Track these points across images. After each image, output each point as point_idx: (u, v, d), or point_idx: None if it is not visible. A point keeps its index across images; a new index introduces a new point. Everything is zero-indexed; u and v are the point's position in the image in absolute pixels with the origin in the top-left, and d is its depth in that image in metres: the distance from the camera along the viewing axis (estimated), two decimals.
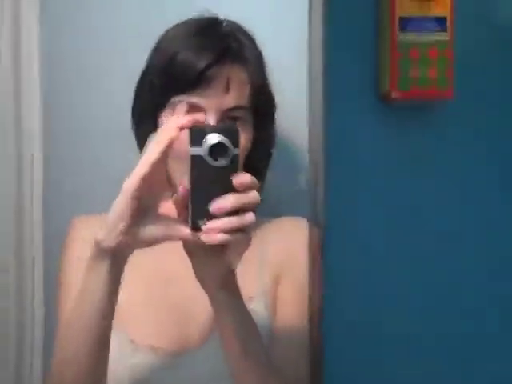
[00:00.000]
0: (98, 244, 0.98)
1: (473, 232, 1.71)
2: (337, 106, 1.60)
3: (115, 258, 0.99)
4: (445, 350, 1.69)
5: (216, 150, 0.91)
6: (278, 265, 1.29)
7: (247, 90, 1.14)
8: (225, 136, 0.92)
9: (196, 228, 0.93)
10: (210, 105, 1.08)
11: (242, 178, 0.93)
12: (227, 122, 1.09)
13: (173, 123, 0.94)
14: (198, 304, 1.17)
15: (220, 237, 0.91)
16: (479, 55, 1.70)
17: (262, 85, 1.18)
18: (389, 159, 1.69)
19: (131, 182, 0.94)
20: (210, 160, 0.91)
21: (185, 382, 1.17)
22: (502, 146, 1.72)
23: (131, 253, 1.01)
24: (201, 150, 0.92)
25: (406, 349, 1.69)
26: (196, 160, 0.92)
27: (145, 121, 1.23)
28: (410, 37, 1.66)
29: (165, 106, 1.15)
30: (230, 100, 1.11)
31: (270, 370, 1.12)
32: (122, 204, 0.95)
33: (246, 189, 0.93)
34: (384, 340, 1.68)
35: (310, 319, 1.46)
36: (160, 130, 0.96)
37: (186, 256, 1.03)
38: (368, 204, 1.67)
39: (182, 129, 0.94)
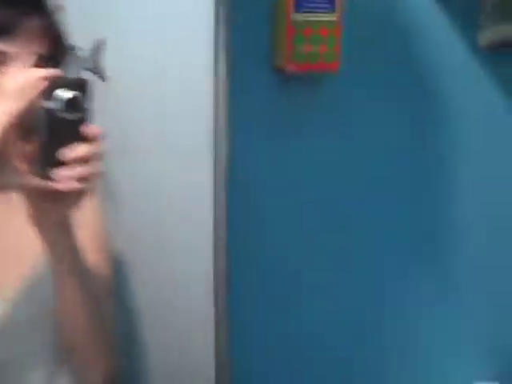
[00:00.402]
0: None
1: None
2: (238, 77, 1.77)
3: None
4: None
5: (69, 103, 0.93)
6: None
7: (47, 40, 1.12)
8: (77, 90, 0.94)
9: (45, 176, 0.95)
10: (18, 52, 1.05)
11: (91, 129, 0.96)
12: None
13: (36, 74, 0.95)
14: (10, 251, 1.21)
15: (75, 184, 0.95)
16: (364, 33, 1.90)
17: (61, 35, 1.16)
18: (282, 123, 1.90)
19: (17, 110, 0.94)
20: (63, 113, 0.93)
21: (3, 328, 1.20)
22: (377, 112, 1.97)
23: None
24: (55, 104, 0.93)
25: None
26: (49, 113, 0.93)
27: None
28: (304, 16, 1.84)
29: None
30: (37, 49, 1.08)
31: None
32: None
33: (94, 139, 0.96)
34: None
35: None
36: (20, 79, 0.94)
37: None
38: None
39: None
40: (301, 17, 1.84)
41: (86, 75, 1.05)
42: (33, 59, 1.05)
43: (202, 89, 1.61)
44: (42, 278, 1.19)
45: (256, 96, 1.86)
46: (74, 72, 1.07)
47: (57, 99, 0.92)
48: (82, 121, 0.94)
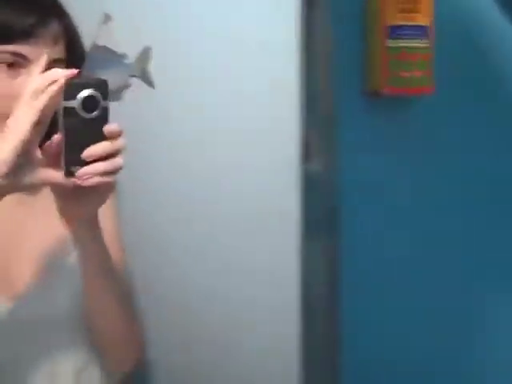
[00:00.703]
0: None
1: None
2: (333, 102, 1.87)
3: None
4: None
5: (88, 102, 0.96)
6: None
7: (64, 44, 1.14)
8: (95, 90, 0.96)
9: (70, 174, 0.97)
10: (38, 56, 1.06)
11: (111, 127, 0.98)
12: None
13: (56, 74, 0.96)
14: (24, 249, 1.20)
15: (95, 179, 0.97)
16: (456, 58, 1.97)
17: (78, 39, 1.19)
18: (378, 143, 1.99)
19: (21, 130, 0.95)
20: (82, 112, 0.96)
21: (15, 326, 1.18)
22: (473, 133, 2.02)
23: (4, 196, 1.02)
24: (74, 103, 0.95)
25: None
26: (69, 112, 0.96)
27: None
28: (399, 43, 1.93)
29: None
30: (54, 53, 1.10)
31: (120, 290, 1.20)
32: (7, 149, 0.95)
33: (114, 136, 0.98)
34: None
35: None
36: (41, 79, 0.97)
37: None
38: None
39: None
40: (396, 43, 1.93)
41: (134, 82, 1.08)
42: (51, 63, 1.06)
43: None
44: (58, 280, 1.19)
45: (350, 119, 1.94)
46: (121, 79, 1.08)
47: (75, 98, 0.95)
48: (100, 119, 0.97)
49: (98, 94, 0.96)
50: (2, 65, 1.09)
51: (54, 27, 1.12)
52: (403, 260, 2.00)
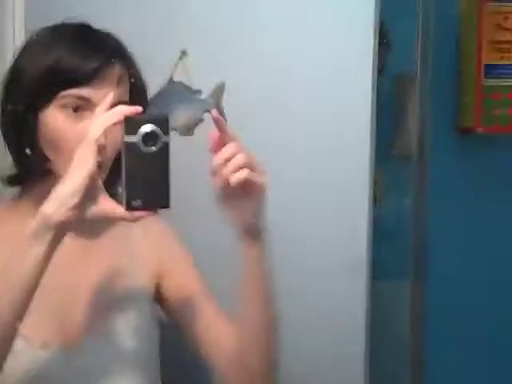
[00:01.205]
0: (45, 218, 0.97)
1: None
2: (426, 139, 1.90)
3: (58, 233, 0.99)
4: None
5: (148, 137, 0.97)
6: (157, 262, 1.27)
7: (128, 86, 1.15)
8: (156, 125, 0.97)
9: (131, 207, 0.98)
10: (102, 99, 1.05)
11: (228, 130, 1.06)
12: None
13: (119, 110, 0.99)
14: (79, 293, 1.18)
15: (240, 174, 1.03)
16: None
17: (141, 81, 1.19)
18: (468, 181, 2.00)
19: (90, 163, 0.97)
20: (143, 147, 0.97)
21: (73, 375, 1.13)
22: None
23: (71, 230, 1.02)
24: (135, 138, 0.97)
25: None
26: (130, 147, 0.97)
27: (19, 121, 1.14)
28: (493, 82, 1.95)
29: (50, 102, 1.11)
30: (117, 95, 1.09)
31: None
32: (77, 181, 0.97)
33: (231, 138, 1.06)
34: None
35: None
36: (106, 115, 0.99)
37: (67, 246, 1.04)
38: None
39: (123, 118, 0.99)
40: (490, 82, 1.95)
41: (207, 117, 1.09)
42: (115, 105, 1.04)
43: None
44: (119, 317, 1.17)
45: (442, 155, 1.96)
46: (195, 114, 1.10)
47: (136, 134, 0.97)
48: (161, 154, 0.98)
49: (158, 130, 0.97)
50: (68, 108, 1.10)
51: (117, 70, 1.12)
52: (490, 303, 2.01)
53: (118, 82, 1.12)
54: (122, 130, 0.98)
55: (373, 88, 1.43)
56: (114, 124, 0.98)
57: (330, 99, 1.46)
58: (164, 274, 1.23)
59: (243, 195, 1.05)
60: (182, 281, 1.23)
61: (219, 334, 1.19)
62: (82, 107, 1.10)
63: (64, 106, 1.10)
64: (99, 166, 1.01)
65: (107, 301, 1.17)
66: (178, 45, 1.14)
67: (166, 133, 0.98)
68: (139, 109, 0.99)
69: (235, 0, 1.48)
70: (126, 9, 1.49)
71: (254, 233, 1.10)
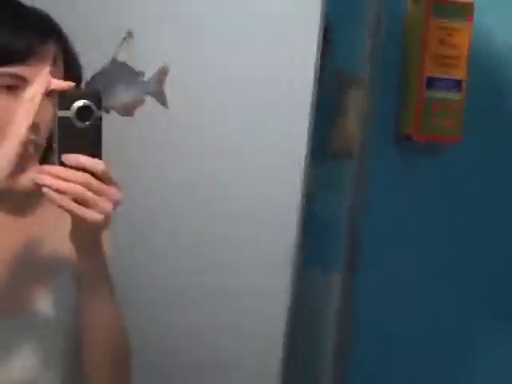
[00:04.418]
0: None
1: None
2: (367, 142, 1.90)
3: None
4: None
5: (82, 112, 0.94)
6: None
7: (62, 66, 1.09)
8: (89, 100, 0.95)
9: None
10: (36, 77, 1.00)
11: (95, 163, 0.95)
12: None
13: (51, 80, 0.96)
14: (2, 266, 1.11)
15: (56, 197, 0.93)
16: (486, 110, 1.98)
17: (76, 60, 1.13)
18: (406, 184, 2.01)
19: (18, 132, 0.94)
20: (76, 121, 0.94)
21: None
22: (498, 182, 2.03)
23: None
24: (68, 113, 0.94)
25: None
26: (63, 121, 0.94)
27: None
28: (434, 94, 1.95)
29: None
30: (52, 73, 1.02)
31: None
32: (9, 151, 0.94)
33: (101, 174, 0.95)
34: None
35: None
36: (37, 84, 0.95)
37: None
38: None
39: (50, 90, 0.96)
40: (431, 94, 1.96)
41: (148, 99, 1.07)
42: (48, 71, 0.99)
43: None
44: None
45: (383, 159, 1.97)
46: (136, 95, 1.07)
47: (70, 108, 0.94)
48: (94, 129, 0.96)
49: (91, 104, 0.95)
50: (2, 88, 1.02)
51: (52, 48, 1.06)
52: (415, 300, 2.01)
53: (54, 61, 1.05)
54: (56, 104, 0.94)
55: (314, 84, 1.42)
56: (48, 96, 0.95)
57: (270, 94, 1.44)
58: None
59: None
60: None
61: None
62: (16, 86, 1.02)
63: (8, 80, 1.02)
64: (34, 144, 0.98)
65: (30, 273, 1.11)
66: (124, 24, 1.11)
67: (99, 108, 0.95)
68: (72, 84, 0.96)
69: None
70: None
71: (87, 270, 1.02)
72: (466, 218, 2.02)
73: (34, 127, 0.97)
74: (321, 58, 1.41)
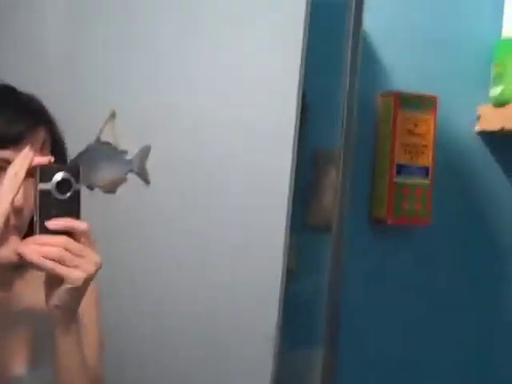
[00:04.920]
0: None
1: None
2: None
3: None
4: None
5: (62, 185, 0.99)
6: None
7: (49, 150, 1.14)
8: (68, 173, 1.00)
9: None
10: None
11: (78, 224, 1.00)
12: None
13: (30, 154, 1.00)
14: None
15: (42, 261, 0.97)
16: (450, 194, 2.11)
17: (62, 145, 1.19)
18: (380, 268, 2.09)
19: (3, 207, 0.97)
20: (56, 194, 0.99)
21: None
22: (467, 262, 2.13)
23: None
24: (49, 185, 0.99)
25: None
26: (44, 194, 0.99)
27: None
28: (404, 179, 2.06)
29: None
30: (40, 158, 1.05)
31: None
32: None
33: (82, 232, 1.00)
34: None
35: None
36: (18, 160, 1.00)
37: None
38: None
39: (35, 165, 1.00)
40: (401, 180, 2.07)
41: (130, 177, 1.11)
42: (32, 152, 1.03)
43: None
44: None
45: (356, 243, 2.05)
46: (119, 174, 1.10)
47: (50, 181, 0.99)
48: (73, 200, 1.00)
49: (71, 178, 1.00)
50: None
51: (42, 134, 1.12)
52: None
53: (42, 147, 1.12)
54: (36, 178, 0.99)
55: (292, 158, 1.50)
56: (29, 171, 0.99)
57: (250, 168, 1.53)
58: None
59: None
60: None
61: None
62: (4, 169, 1.05)
63: None
64: (17, 229, 1.02)
65: (34, 333, 1.17)
66: (107, 105, 1.16)
67: (78, 181, 1.01)
68: (52, 158, 1.02)
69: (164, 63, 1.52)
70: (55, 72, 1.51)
71: (61, 319, 1.04)
72: (434, 289, 2.11)
73: (18, 212, 1.02)
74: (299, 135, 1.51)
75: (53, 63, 1.51)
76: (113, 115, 1.14)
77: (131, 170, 1.15)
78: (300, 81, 1.52)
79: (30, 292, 1.17)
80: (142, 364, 1.52)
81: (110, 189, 1.12)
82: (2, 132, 1.08)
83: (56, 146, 1.16)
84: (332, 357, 1.90)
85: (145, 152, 1.18)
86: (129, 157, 1.16)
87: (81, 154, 1.13)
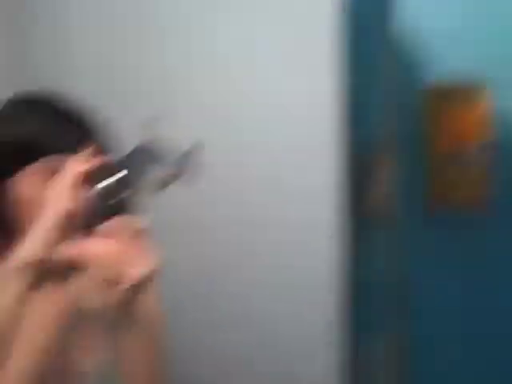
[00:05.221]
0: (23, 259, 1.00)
1: None
2: None
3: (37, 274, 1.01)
4: None
5: (111, 189, 1.00)
6: None
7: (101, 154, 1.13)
8: (120, 176, 1.01)
9: None
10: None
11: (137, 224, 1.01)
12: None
13: (85, 158, 1.04)
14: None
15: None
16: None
17: (112, 149, 1.20)
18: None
19: (66, 206, 1.00)
20: (106, 198, 1.00)
21: None
22: None
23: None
24: (99, 189, 1.00)
25: None
26: (95, 197, 1.00)
27: None
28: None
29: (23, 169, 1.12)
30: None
31: None
32: (52, 223, 1.00)
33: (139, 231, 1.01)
34: None
35: None
36: (75, 162, 1.03)
37: None
38: None
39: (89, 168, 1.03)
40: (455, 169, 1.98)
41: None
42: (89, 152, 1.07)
43: None
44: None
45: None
46: (162, 177, 1.07)
47: (100, 184, 1.00)
48: (119, 207, 1.01)
49: (121, 180, 1.01)
50: (48, 173, 1.10)
51: (94, 142, 1.14)
52: None
53: (95, 152, 1.11)
54: (89, 182, 1.00)
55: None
56: (84, 176, 1.01)
57: (298, 181, 1.55)
58: None
59: None
60: None
61: None
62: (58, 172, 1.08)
63: (48, 170, 1.10)
64: (74, 230, 1.01)
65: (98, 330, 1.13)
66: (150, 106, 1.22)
67: (126, 187, 1.01)
68: (104, 161, 1.04)
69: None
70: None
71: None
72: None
73: (74, 214, 1.01)
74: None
75: (115, 63, 1.59)
76: (157, 117, 1.08)
77: (176, 173, 1.10)
78: (345, 77, 1.53)
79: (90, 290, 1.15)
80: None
81: (155, 191, 1.07)
82: (59, 140, 1.13)
83: (105, 152, 1.17)
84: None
85: (188, 155, 1.12)
86: (173, 160, 1.10)
87: (126, 157, 1.10)
